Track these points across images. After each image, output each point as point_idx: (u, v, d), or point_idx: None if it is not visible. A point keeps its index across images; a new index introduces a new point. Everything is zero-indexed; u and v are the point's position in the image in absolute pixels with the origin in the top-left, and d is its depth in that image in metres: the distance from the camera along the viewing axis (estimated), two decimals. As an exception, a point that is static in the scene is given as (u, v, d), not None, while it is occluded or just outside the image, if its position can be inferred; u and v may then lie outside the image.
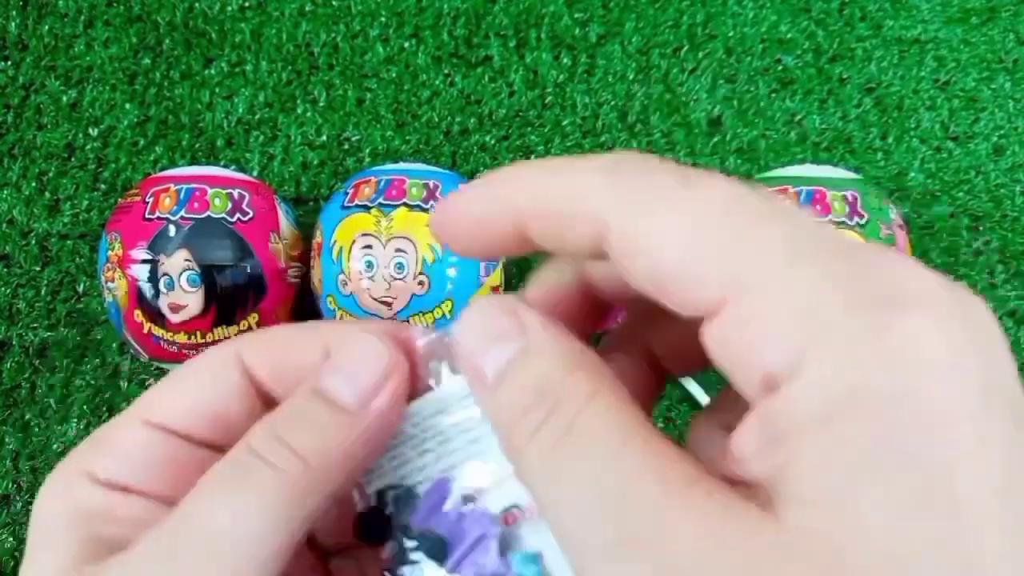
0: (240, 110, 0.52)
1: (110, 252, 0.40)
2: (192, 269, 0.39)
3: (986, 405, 0.11)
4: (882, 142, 0.52)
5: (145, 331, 0.40)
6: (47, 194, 0.50)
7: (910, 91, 0.53)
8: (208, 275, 0.39)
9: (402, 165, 0.43)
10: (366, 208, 0.40)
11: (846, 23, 0.54)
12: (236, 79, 0.52)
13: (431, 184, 0.41)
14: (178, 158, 0.51)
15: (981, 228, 0.50)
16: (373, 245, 0.39)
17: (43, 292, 0.48)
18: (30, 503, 0.45)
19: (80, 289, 0.48)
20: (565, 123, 0.52)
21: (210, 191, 0.40)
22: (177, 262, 0.39)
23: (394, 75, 0.53)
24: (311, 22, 0.54)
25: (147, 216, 0.39)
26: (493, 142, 0.51)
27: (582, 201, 0.14)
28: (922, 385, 0.11)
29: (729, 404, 0.16)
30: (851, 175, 0.41)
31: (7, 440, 0.46)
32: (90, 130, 0.51)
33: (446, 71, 0.53)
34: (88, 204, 0.49)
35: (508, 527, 0.17)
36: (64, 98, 0.52)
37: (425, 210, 0.40)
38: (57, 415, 0.46)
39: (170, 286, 0.39)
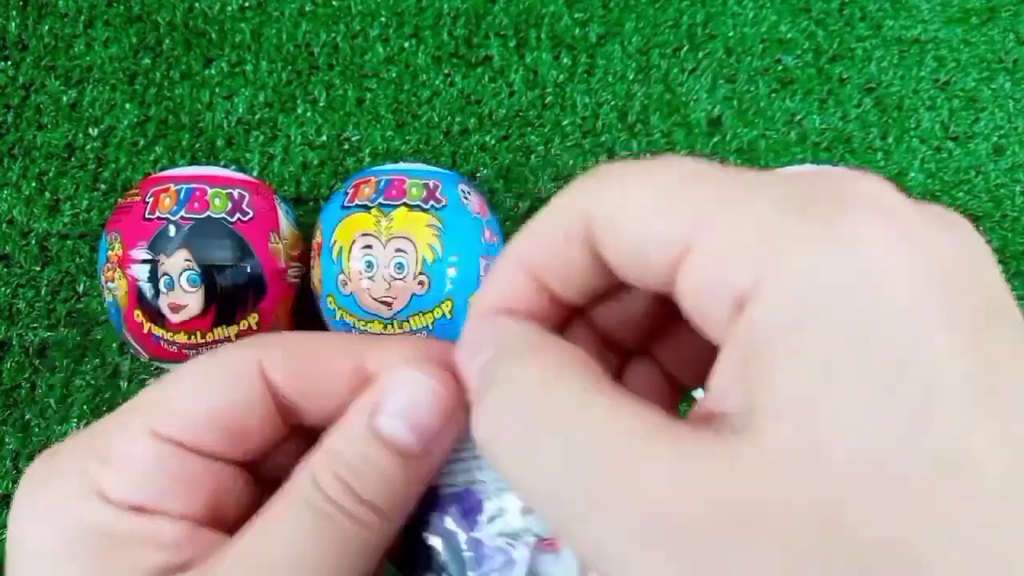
0: (240, 110, 0.52)
1: (110, 252, 0.40)
2: (192, 269, 0.39)
3: (949, 289, 0.11)
4: (882, 142, 0.52)
5: (145, 331, 0.40)
6: (47, 194, 0.50)
7: (910, 91, 0.53)
8: (208, 275, 0.39)
9: (402, 165, 0.43)
10: (366, 208, 0.40)
11: (846, 23, 0.54)
12: (236, 79, 0.52)
13: (431, 184, 0.41)
14: (178, 158, 0.51)
15: (981, 228, 0.50)
16: (373, 245, 0.40)
17: (43, 292, 0.48)
18: (30, 503, 0.45)
19: (80, 289, 0.48)
20: (565, 123, 0.52)
21: (210, 191, 0.40)
22: (177, 262, 0.39)
23: (394, 75, 0.53)
24: (311, 22, 0.54)
25: (147, 216, 0.39)
26: (493, 142, 0.51)
27: (571, 208, 0.15)
28: (879, 277, 0.11)
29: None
30: (851, 175, 0.41)
31: (7, 440, 0.46)
32: (90, 130, 0.51)
33: (446, 71, 0.53)
34: (88, 204, 0.49)
35: (535, 553, 0.17)
36: (64, 98, 0.52)
37: (425, 210, 0.40)
38: (57, 415, 0.46)
39: (170, 286, 0.39)
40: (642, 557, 0.12)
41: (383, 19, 0.54)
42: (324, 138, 0.51)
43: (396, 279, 0.39)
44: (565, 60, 0.53)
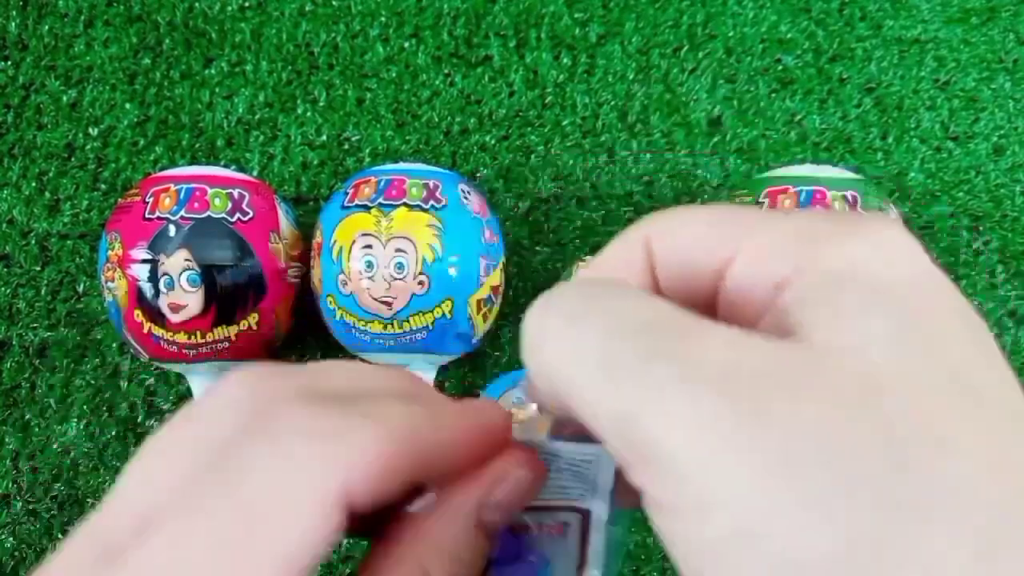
0: (240, 110, 0.52)
1: (110, 252, 0.40)
2: (192, 269, 0.39)
3: (933, 273, 0.15)
4: (882, 142, 0.52)
5: (145, 331, 0.40)
6: (47, 194, 0.50)
7: (910, 91, 0.53)
8: (208, 275, 0.39)
9: (402, 165, 0.43)
10: (366, 208, 0.40)
11: (846, 23, 0.54)
12: (236, 79, 0.52)
13: (431, 184, 0.41)
14: (178, 158, 0.51)
15: (981, 228, 0.50)
16: (373, 245, 0.40)
17: (43, 292, 0.48)
18: (30, 503, 0.45)
19: (80, 289, 0.48)
20: (565, 123, 0.52)
21: (210, 191, 0.40)
22: (177, 262, 0.39)
23: (394, 75, 0.53)
24: (311, 22, 0.54)
25: (147, 216, 0.39)
26: (493, 142, 0.51)
27: (635, 231, 0.18)
28: (892, 252, 0.15)
29: None
30: (851, 175, 0.41)
31: (7, 440, 0.46)
32: (90, 130, 0.51)
33: (446, 71, 0.53)
34: (88, 204, 0.49)
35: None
36: (64, 98, 0.52)
37: (425, 210, 0.40)
38: (57, 415, 0.46)
39: (170, 286, 0.39)
40: (688, 402, 0.13)
41: (383, 19, 0.54)
42: (324, 138, 0.51)
43: (396, 279, 0.39)
44: (565, 60, 0.53)
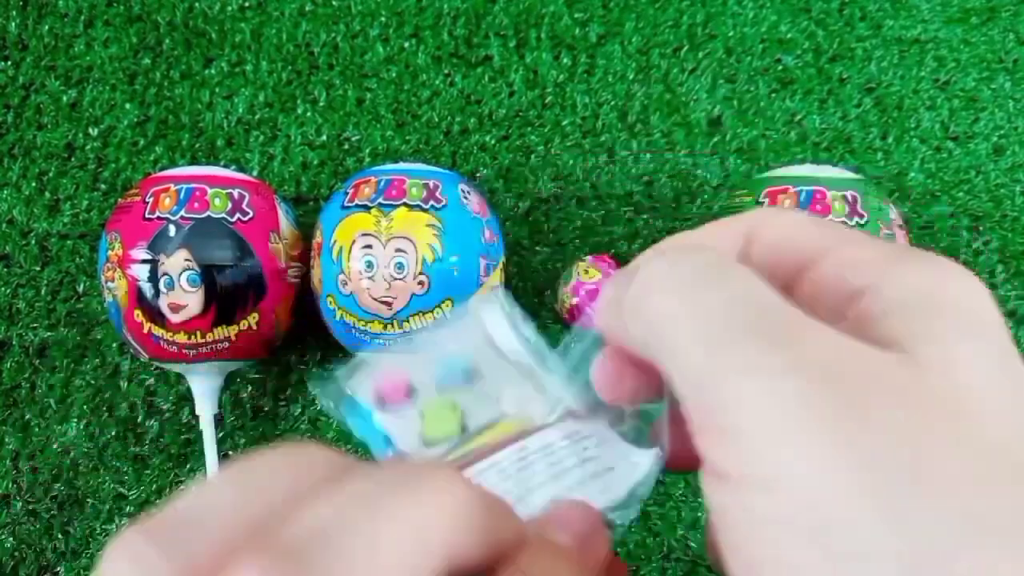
0: (240, 110, 0.52)
1: (110, 252, 0.40)
2: (192, 269, 0.39)
3: (1001, 323, 0.15)
4: (882, 142, 0.52)
5: (145, 331, 0.40)
6: (47, 194, 0.50)
7: (910, 91, 0.53)
8: (208, 275, 0.39)
9: (402, 165, 0.43)
10: (366, 208, 0.40)
11: (846, 23, 0.54)
12: (236, 79, 0.52)
13: (431, 184, 0.41)
14: (178, 158, 0.51)
15: (981, 228, 0.50)
16: (373, 245, 0.40)
17: (43, 292, 0.48)
18: (30, 503, 0.45)
19: (80, 289, 0.48)
20: (565, 123, 0.52)
21: (210, 191, 0.40)
22: (177, 262, 0.39)
23: (394, 75, 0.53)
24: (311, 22, 0.54)
25: (147, 216, 0.39)
26: (493, 142, 0.51)
27: (736, 220, 0.19)
28: (987, 301, 0.15)
29: None
30: (851, 175, 0.41)
31: (7, 440, 0.46)
32: (90, 130, 0.51)
33: (446, 71, 0.53)
34: (88, 204, 0.49)
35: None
36: (64, 98, 0.52)
37: (425, 210, 0.40)
38: (57, 415, 0.46)
39: (170, 286, 0.39)
40: (788, 388, 0.13)
41: (383, 19, 0.54)
42: (324, 138, 0.51)
43: (396, 279, 0.39)
44: (565, 60, 0.53)
